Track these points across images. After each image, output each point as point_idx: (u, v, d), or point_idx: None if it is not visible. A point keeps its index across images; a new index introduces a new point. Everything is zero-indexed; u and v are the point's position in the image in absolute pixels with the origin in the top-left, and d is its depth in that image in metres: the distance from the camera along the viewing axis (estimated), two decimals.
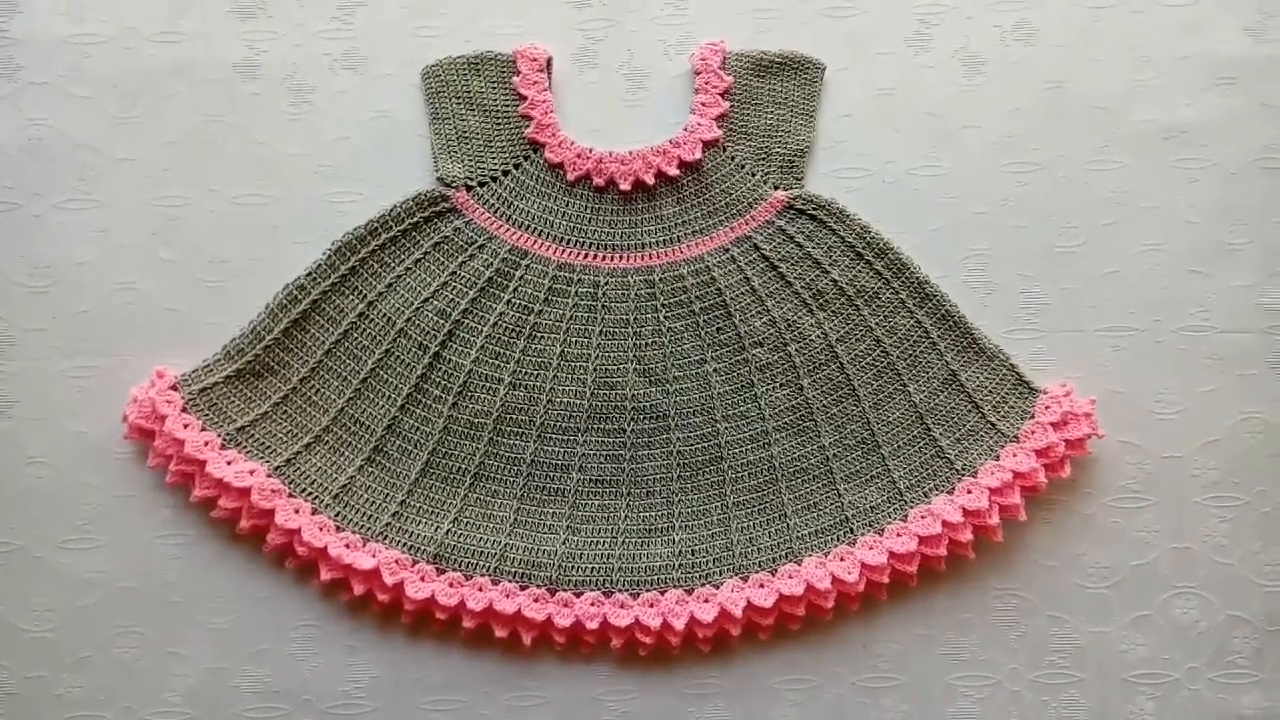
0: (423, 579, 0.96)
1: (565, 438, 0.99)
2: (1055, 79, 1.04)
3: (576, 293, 1.01)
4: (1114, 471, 1.00)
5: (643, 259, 1.02)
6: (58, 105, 1.04)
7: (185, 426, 0.96)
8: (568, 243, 1.02)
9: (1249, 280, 1.02)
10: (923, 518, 0.96)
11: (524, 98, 1.03)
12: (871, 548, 0.96)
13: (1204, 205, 1.02)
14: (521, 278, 1.01)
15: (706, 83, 1.03)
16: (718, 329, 1.00)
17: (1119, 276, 1.02)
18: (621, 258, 1.02)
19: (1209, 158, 1.03)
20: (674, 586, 0.96)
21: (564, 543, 0.97)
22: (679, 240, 1.02)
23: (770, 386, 1.00)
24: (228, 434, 0.97)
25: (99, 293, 1.02)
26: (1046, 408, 0.97)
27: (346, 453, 0.99)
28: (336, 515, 0.97)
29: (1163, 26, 1.04)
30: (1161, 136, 1.03)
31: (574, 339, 1.00)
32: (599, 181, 1.02)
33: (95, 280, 1.02)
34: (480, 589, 0.96)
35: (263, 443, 0.98)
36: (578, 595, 0.96)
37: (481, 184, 1.03)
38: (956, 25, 1.05)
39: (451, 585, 0.96)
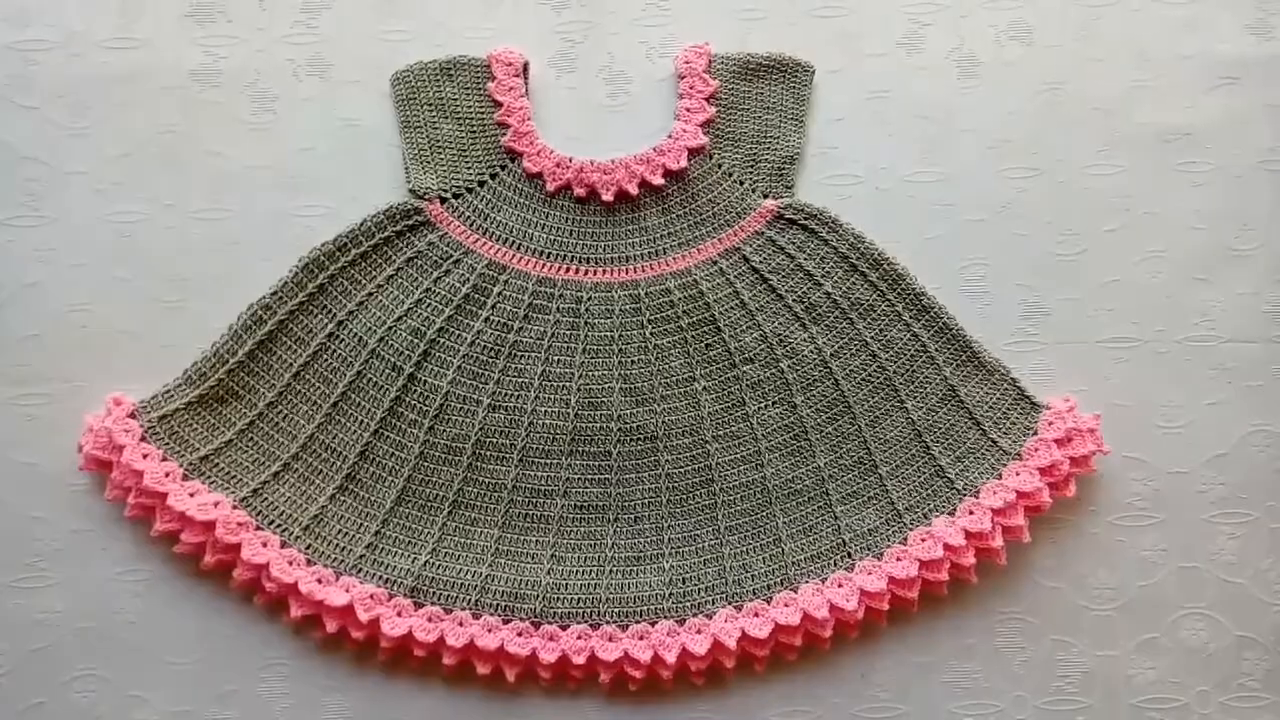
0: (399, 614, 0.91)
1: (548, 462, 0.95)
2: (1052, 80, 1.01)
3: (558, 309, 0.96)
4: (1119, 488, 0.96)
5: (627, 273, 0.97)
6: (2, 116, 0.99)
7: (144, 456, 0.91)
8: (548, 256, 0.97)
9: (1255, 287, 0.98)
10: (923, 540, 0.92)
11: (499, 104, 0.99)
12: (870, 573, 0.92)
13: (1208, 210, 0.99)
14: (500, 294, 0.96)
15: (691, 87, 0.99)
16: (706, 345, 0.96)
17: (1121, 285, 0.99)
18: (605, 271, 0.97)
19: (1213, 160, 1.00)
20: (665, 617, 0.92)
21: (548, 573, 0.93)
22: (664, 253, 0.97)
23: (762, 405, 0.95)
24: (190, 464, 0.92)
25: (50, 315, 0.97)
26: (1050, 423, 0.94)
27: (317, 481, 0.94)
28: (307, 548, 0.92)
29: (1163, 25, 1.01)
30: (1163, 139, 1.00)
31: (556, 357, 0.96)
32: (580, 192, 0.97)
33: (46, 302, 0.97)
34: (461, 624, 0.91)
35: (228, 472, 0.93)
36: (564, 628, 0.92)
37: (456, 195, 0.98)
38: (950, 25, 1.01)
39: (430, 620, 0.91)
